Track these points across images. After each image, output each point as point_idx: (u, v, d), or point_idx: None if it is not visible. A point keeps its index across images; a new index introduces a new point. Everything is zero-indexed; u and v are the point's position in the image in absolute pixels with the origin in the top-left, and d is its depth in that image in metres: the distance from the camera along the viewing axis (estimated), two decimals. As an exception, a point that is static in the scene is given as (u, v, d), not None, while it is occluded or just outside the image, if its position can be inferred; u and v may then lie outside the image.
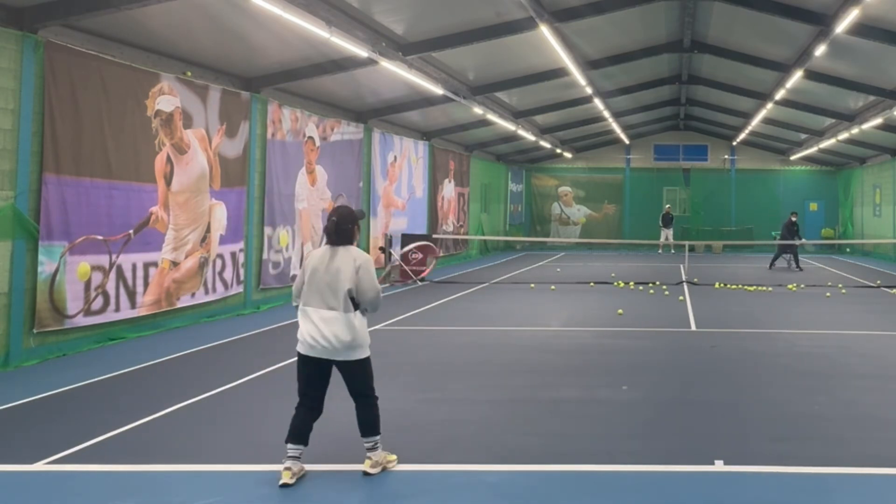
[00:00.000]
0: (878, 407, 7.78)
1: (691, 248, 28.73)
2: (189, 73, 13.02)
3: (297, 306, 5.94)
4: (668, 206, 35.11)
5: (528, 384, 8.66)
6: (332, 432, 6.78)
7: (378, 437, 5.89)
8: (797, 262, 25.00)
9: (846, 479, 5.80)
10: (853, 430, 6.98)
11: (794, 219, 25.10)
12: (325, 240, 6.01)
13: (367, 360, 5.95)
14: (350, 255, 5.86)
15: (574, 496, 5.45)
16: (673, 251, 32.49)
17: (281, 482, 5.54)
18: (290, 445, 5.70)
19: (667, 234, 32.89)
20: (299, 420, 5.78)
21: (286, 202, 16.00)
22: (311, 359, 5.81)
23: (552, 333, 12.17)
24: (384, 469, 5.87)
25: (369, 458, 5.83)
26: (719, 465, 6.00)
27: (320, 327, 5.74)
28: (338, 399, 7.61)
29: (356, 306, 5.81)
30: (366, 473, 5.78)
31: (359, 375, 5.92)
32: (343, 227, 5.90)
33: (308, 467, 5.88)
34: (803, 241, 25.25)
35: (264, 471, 5.84)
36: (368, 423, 5.90)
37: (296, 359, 5.95)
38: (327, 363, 5.84)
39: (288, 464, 5.63)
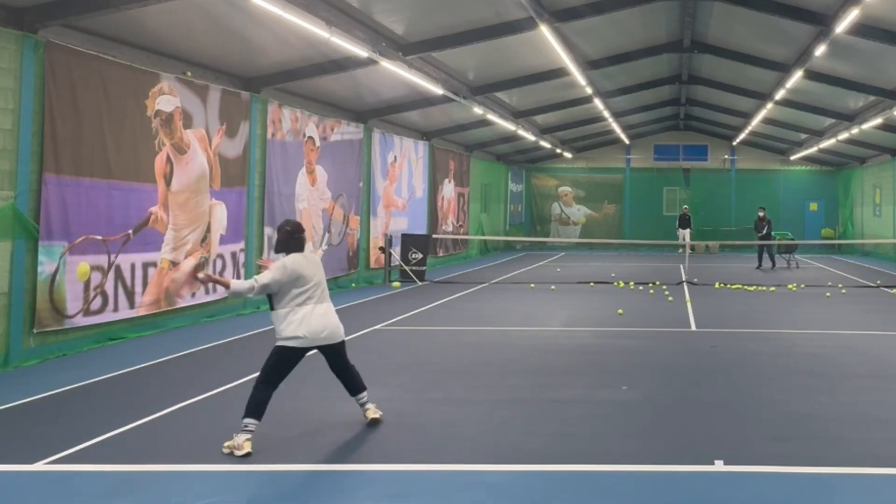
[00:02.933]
0: (878, 407, 7.78)
1: (692, 248, 28.73)
2: (189, 73, 13.02)
3: (298, 305, 6.53)
4: (685, 207, 34.53)
5: (528, 384, 8.66)
6: (334, 434, 6.79)
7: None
8: (761, 259, 25.05)
9: (846, 479, 5.80)
10: (853, 430, 6.98)
11: (760, 214, 25.26)
12: (277, 248, 6.84)
13: None
14: (315, 258, 6.91)
15: (574, 496, 5.45)
16: (683, 251, 32.16)
17: (244, 452, 6.09)
18: (254, 420, 6.29)
19: (684, 235, 32.28)
20: (268, 399, 6.43)
21: (286, 202, 15.99)
22: (306, 349, 6.57)
23: (552, 333, 12.17)
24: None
25: (369, 407, 7.00)
26: (719, 465, 6.00)
27: (325, 320, 6.59)
28: (334, 400, 7.62)
29: None
30: (375, 421, 6.93)
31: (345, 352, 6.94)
32: (297, 237, 6.77)
33: (308, 467, 5.92)
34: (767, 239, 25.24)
35: (264, 471, 5.84)
36: (361, 382, 6.96)
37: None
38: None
39: (250, 436, 6.25)
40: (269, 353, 6.53)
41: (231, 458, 6.12)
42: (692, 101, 29.55)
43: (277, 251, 6.79)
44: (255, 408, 6.32)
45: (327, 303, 6.68)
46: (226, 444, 6.25)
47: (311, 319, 6.47)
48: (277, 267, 6.50)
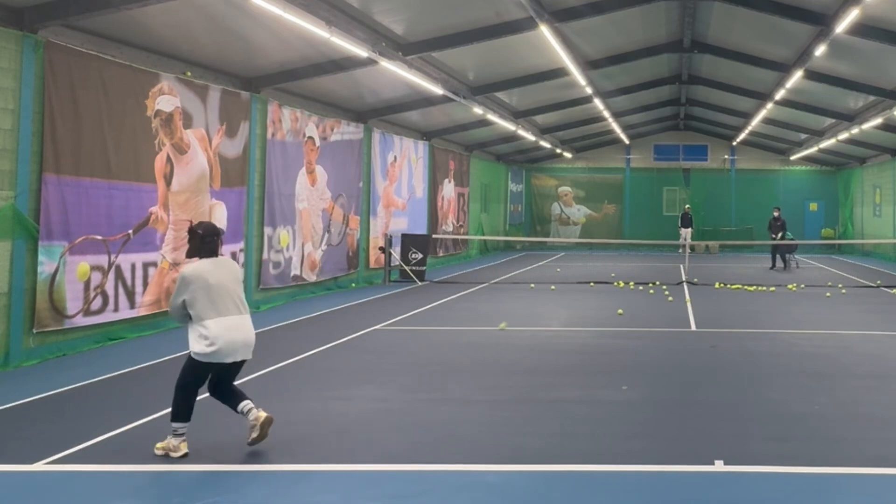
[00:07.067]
0: (878, 407, 7.78)
1: (692, 248, 28.75)
2: (189, 73, 13.02)
3: (191, 320, 6.13)
4: (687, 206, 34.68)
5: (528, 384, 8.66)
6: (333, 434, 6.79)
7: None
8: (783, 260, 25.09)
9: (846, 479, 5.80)
10: (853, 430, 6.98)
11: (775, 213, 25.29)
12: (190, 253, 6.39)
13: None
14: (232, 264, 6.49)
15: (574, 496, 5.45)
16: (683, 251, 32.18)
17: (183, 454, 6.04)
18: (183, 424, 6.13)
19: (685, 235, 32.23)
20: (193, 402, 6.22)
21: (286, 202, 15.99)
22: (219, 365, 6.19)
23: (552, 333, 12.17)
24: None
25: (253, 415, 6.20)
26: (719, 465, 6.00)
27: (236, 333, 6.19)
28: (334, 400, 7.62)
29: None
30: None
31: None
32: (210, 240, 6.34)
33: (308, 467, 5.92)
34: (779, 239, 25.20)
35: (264, 471, 5.84)
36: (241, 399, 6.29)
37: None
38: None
39: (184, 438, 6.13)
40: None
41: (230, 458, 6.12)
42: (692, 101, 29.56)
43: (189, 255, 6.39)
44: (187, 412, 6.15)
45: (239, 315, 6.23)
46: (159, 445, 6.15)
47: (224, 332, 6.07)
48: (177, 282, 6.17)
